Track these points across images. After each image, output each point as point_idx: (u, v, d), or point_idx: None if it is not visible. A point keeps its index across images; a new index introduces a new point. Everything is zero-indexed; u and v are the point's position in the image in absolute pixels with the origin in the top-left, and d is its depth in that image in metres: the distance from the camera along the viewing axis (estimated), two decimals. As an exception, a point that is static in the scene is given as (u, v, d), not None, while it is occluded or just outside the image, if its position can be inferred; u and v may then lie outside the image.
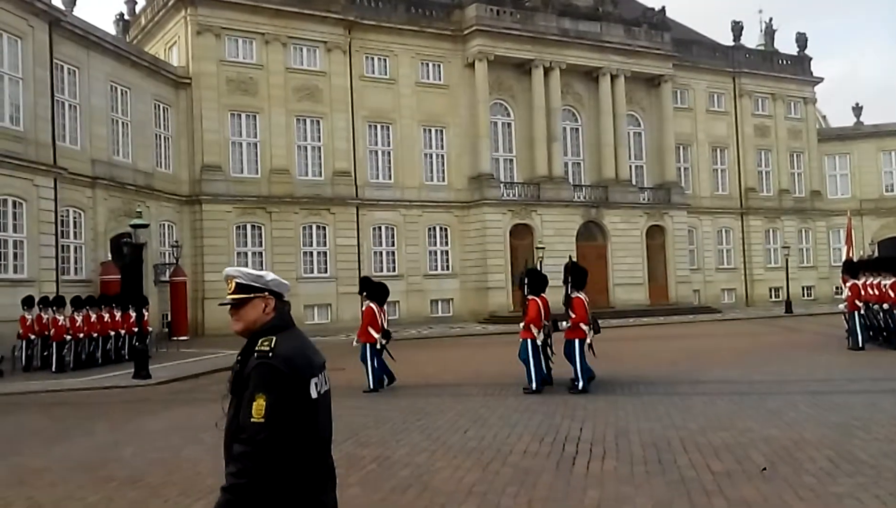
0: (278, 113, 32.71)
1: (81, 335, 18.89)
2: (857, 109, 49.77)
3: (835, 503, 5.91)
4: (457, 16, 36.92)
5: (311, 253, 33.24)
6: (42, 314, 18.95)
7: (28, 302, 19.13)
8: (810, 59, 48.59)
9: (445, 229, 36.52)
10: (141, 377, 16.22)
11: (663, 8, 41.84)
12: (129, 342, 20.39)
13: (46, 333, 18.75)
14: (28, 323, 18.84)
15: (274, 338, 2.95)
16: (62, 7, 25.07)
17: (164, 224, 29.87)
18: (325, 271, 33.27)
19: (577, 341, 12.32)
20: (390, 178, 35.52)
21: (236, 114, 32.23)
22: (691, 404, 10.80)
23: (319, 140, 33.86)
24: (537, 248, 33.72)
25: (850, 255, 25.97)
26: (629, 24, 40.27)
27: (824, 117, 58.77)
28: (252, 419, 2.82)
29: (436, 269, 36.17)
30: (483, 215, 35.68)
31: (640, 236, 39.38)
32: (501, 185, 36.67)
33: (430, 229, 36.16)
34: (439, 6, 37.11)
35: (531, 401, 11.60)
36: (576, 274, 12.85)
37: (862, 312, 17.56)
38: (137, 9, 37.82)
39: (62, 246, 23.81)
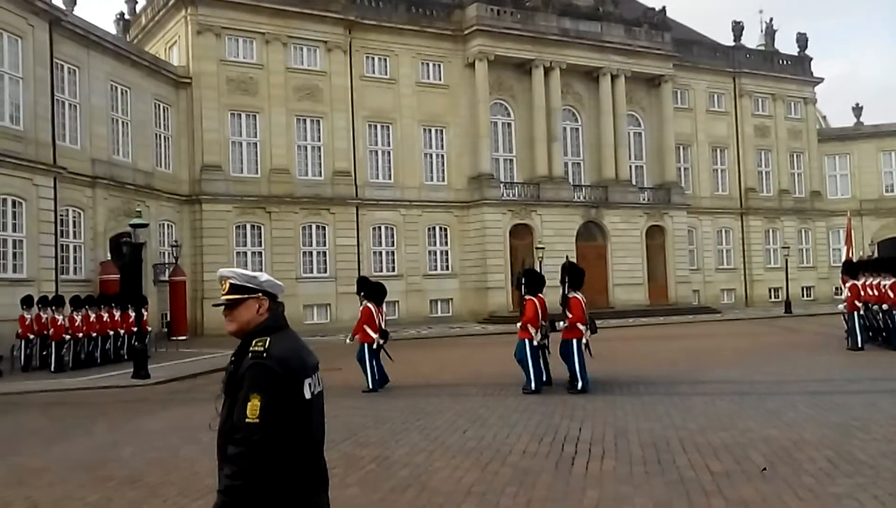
0: (278, 113, 32.71)
1: (80, 335, 18.89)
2: (858, 110, 49.79)
3: (833, 503, 5.91)
4: (457, 16, 36.92)
5: (311, 253, 33.24)
6: (41, 314, 18.94)
7: (27, 302, 19.12)
8: (810, 59, 48.60)
9: (445, 229, 36.52)
10: (140, 377, 16.22)
11: (664, 8, 41.85)
12: (128, 341, 20.38)
13: (45, 332, 18.75)
14: (27, 323, 18.84)
15: (268, 339, 2.95)
16: (62, 6, 25.07)
17: (163, 224, 29.87)
18: (325, 271, 33.27)
19: (574, 341, 12.33)
20: (390, 178, 35.52)
21: (236, 113, 32.23)
22: (691, 404, 10.80)
23: (319, 140, 33.86)
24: (537, 248, 33.72)
25: (850, 255, 26.02)
26: (629, 24, 40.27)
27: (824, 118, 58.76)
28: (247, 420, 2.82)
29: (435, 269, 36.17)
30: (483, 215, 35.68)
31: (639, 236, 39.38)
32: (501, 185, 36.67)
33: (429, 228, 36.16)
34: (440, 6, 37.11)
35: (530, 401, 11.60)
36: (573, 274, 12.86)
37: (861, 312, 17.56)
38: (138, 8, 37.82)
39: (62, 246, 23.81)
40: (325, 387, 3.19)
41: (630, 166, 40.46)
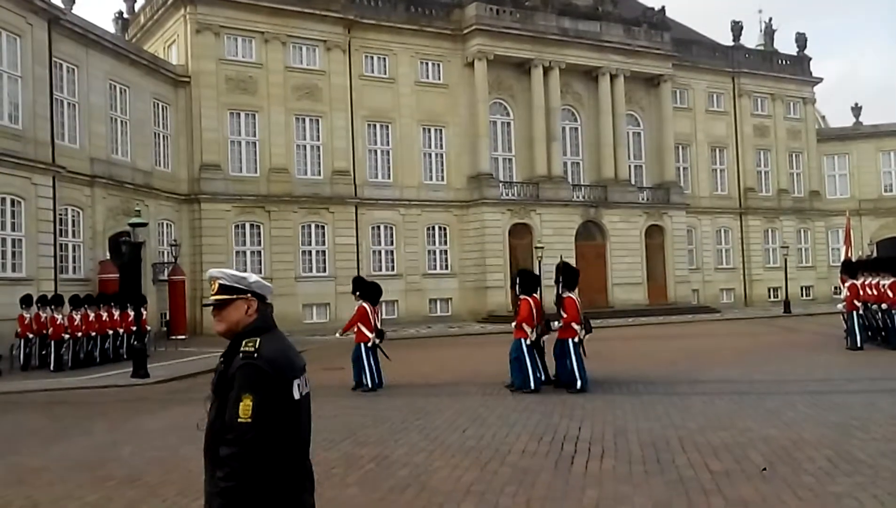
0: (277, 112, 32.70)
1: (80, 334, 18.87)
2: (857, 110, 49.80)
3: (833, 502, 5.91)
4: (456, 15, 36.91)
5: (310, 252, 33.23)
6: (40, 313, 18.93)
7: (26, 301, 19.11)
8: (810, 59, 48.61)
9: (444, 229, 36.51)
10: (139, 377, 16.20)
11: (663, 8, 41.85)
12: (127, 341, 20.35)
13: (45, 332, 18.74)
14: (26, 322, 18.83)
15: (258, 339, 2.98)
16: (61, 5, 25.03)
17: (162, 223, 29.86)
18: (324, 271, 33.26)
19: (569, 341, 12.34)
20: (389, 177, 35.51)
21: (235, 113, 32.21)
22: (690, 403, 10.80)
23: (319, 139, 33.85)
24: (536, 247, 33.73)
25: (849, 255, 26.03)
26: (629, 24, 40.27)
27: (823, 117, 58.77)
28: (239, 420, 2.84)
29: (434, 268, 36.17)
30: (482, 215, 35.68)
31: (639, 235, 39.39)
32: (500, 184, 36.66)
33: (429, 228, 36.15)
34: (439, 5, 37.10)
35: (529, 401, 11.60)
36: (567, 274, 12.88)
37: (860, 312, 17.58)
38: (136, 7, 37.77)
39: (61, 245, 23.79)
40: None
41: (629, 166, 40.47)
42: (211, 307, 3.11)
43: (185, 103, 31.37)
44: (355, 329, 13.70)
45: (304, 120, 33.57)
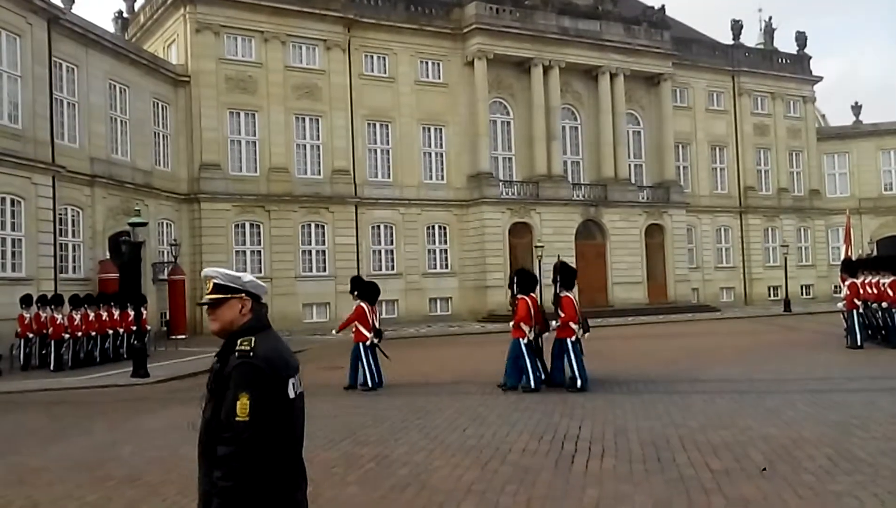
0: (277, 111, 32.69)
1: (80, 334, 18.88)
2: (857, 108, 49.80)
3: (833, 501, 5.91)
4: (456, 14, 36.90)
5: (310, 252, 33.23)
6: (40, 313, 18.93)
7: (26, 301, 19.10)
8: (810, 57, 48.60)
9: (444, 228, 36.51)
10: (139, 376, 16.21)
11: (663, 6, 41.83)
12: (127, 340, 20.36)
13: (45, 331, 18.74)
14: (26, 322, 18.82)
15: (253, 338, 2.99)
16: (61, 5, 25.02)
17: (162, 222, 29.85)
18: (324, 270, 33.26)
19: (567, 340, 12.34)
20: (389, 176, 35.50)
21: (235, 112, 32.20)
22: (690, 402, 10.80)
23: (318, 138, 33.84)
24: (536, 246, 33.71)
25: (849, 254, 26.00)
26: (629, 23, 40.26)
27: (823, 116, 58.77)
28: (237, 418, 2.86)
29: (435, 267, 36.17)
30: (482, 214, 35.68)
31: (639, 234, 39.39)
32: (500, 183, 36.65)
33: (428, 227, 36.15)
34: (439, 4, 37.08)
35: (530, 400, 11.60)
36: (565, 274, 12.89)
37: (860, 310, 17.58)
38: (136, 6, 37.73)
39: (61, 244, 23.78)
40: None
41: (629, 165, 40.46)
42: (206, 307, 3.13)
43: (185, 103, 31.36)
44: (353, 329, 13.70)
45: (303, 119, 33.57)
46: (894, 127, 47.91)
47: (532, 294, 13.00)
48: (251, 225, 32.11)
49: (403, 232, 35.30)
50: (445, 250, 36.49)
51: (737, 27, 46.74)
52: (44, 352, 18.82)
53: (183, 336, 27.81)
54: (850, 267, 18.91)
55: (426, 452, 8.09)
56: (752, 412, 9.81)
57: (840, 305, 18.56)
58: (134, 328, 19.43)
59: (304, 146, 33.63)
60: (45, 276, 22.33)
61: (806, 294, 46.02)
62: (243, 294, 3.11)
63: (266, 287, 3.27)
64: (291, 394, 3.00)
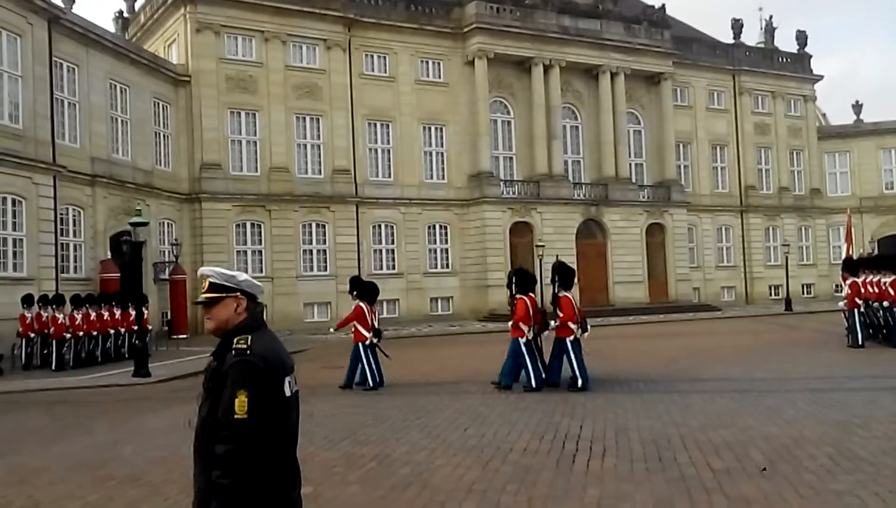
0: (278, 111, 32.69)
1: (81, 334, 18.89)
2: (857, 107, 49.75)
3: (834, 500, 5.91)
4: (456, 13, 36.89)
5: (311, 251, 33.23)
6: (42, 313, 18.95)
7: (28, 300, 19.13)
8: (810, 56, 48.56)
9: (445, 227, 36.51)
10: (140, 376, 16.22)
11: (663, 6, 41.81)
12: (128, 340, 20.39)
13: (46, 331, 18.75)
14: (28, 321, 18.84)
15: (249, 336, 3.02)
16: (61, 4, 25.03)
17: (163, 222, 29.86)
18: (325, 270, 33.26)
19: (566, 340, 12.35)
20: (390, 176, 35.50)
21: (236, 112, 32.21)
22: (691, 401, 10.80)
23: (319, 138, 33.85)
24: (537, 246, 33.71)
25: (850, 253, 25.96)
26: (629, 22, 40.24)
27: (824, 115, 58.74)
28: (235, 416, 2.87)
29: (435, 267, 36.17)
30: (483, 213, 35.67)
31: (639, 233, 39.37)
32: (501, 183, 36.64)
33: (429, 227, 36.15)
34: (439, 4, 37.07)
35: (530, 399, 11.60)
36: (563, 274, 12.90)
37: (862, 310, 17.57)
38: (137, 6, 37.74)
39: (62, 244, 23.79)
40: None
41: (630, 164, 40.44)
42: (202, 305, 3.16)
43: (186, 103, 31.36)
44: (352, 329, 13.71)
45: (304, 119, 33.57)
46: (895, 126, 47.87)
47: (531, 294, 13.00)
48: (252, 225, 32.11)
49: (404, 231, 35.30)
50: (446, 250, 36.49)
51: (737, 26, 46.69)
52: (45, 352, 18.85)
53: (184, 336, 27.82)
54: (852, 266, 18.90)
55: (427, 451, 8.09)
56: (753, 411, 9.80)
57: (841, 304, 18.56)
58: (135, 327, 19.50)
59: (305, 146, 33.64)
60: (47, 276, 22.34)
61: (807, 293, 46.00)
62: (238, 293, 3.14)
63: (262, 287, 3.29)
64: (287, 392, 3.02)
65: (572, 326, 12.40)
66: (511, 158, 38.23)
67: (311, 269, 33.06)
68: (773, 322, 30.02)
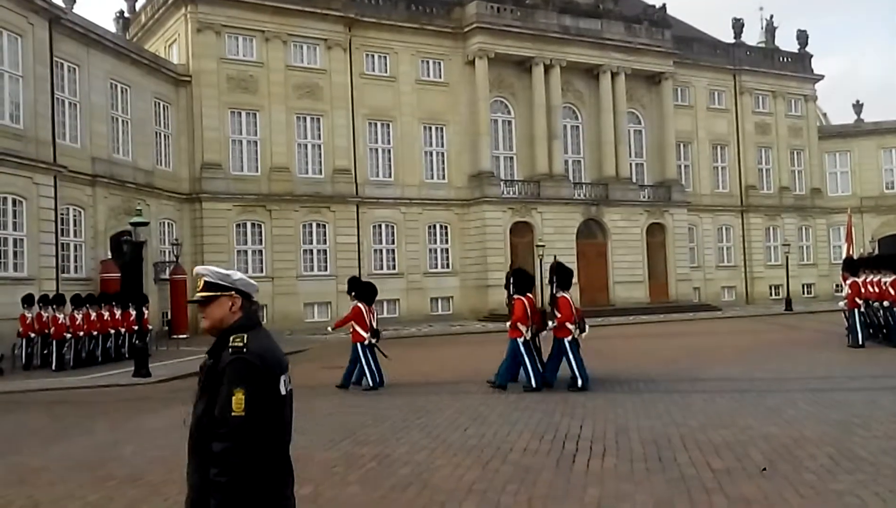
0: (278, 111, 32.70)
1: (81, 334, 18.90)
2: (858, 107, 49.71)
3: (835, 500, 5.91)
4: (457, 13, 36.88)
5: (311, 251, 33.23)
6: (42, 313, 18.95)
7: (28, 300, 19.13)
8: (811, 56, 48.54)
9: (445, 227, 36.51)
10: (141, 376, 16.22)
11: (664, 5, 41.80)
12: (129, 340, 20.39)
13: (46, 331, 18.75)
14: (28, 321, 18.84)
15: (245, 335, 3.03)
16: (62, 4, 25.04)
17: (164, 222, 29.87)
18: (325, 270, 33.26)
19: (564, 340, 12.35)
20: (390, 176, 35.50)
21: (236, 112, 32.21)
22: (691, 401, 10.80)
23: (320, 138, 33.85)
24: (537, 246, 33.69)
25: (851, 252, 25.94)
26: (630, 22, 40.23)
27: (825, 115, 58.70)
28: (233, 413, 2.89)
29: (436, 267, 36.17)
30: (483, 213, 35.67)
31: (640, 233, 39.36)
32: (502, 183, 36.64)
33: (430, 226, 36.15)
34: (439, 4, 37.07)
35: (530, 399, 11.60)
36: (561, 274, 12.89)
37: (862, 309, 17.56)
38: (137, 6, 37.75)
39: (62, 244, 23.79)
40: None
41: (630, 164, 40.43)
42: (197, 304, 3.18)
43: (186, 102, 31.37)
44: (350, 329, 13.71)
45: (304, 119, 33.57)
46: (895, 126, 47.84)
47: (529, 294, 12.99)
48: (252, 225, 32.12)
49: (405, 231, 35.30)
50: (447, 250, 36.49)
51: (738, 26, 46.66)
52: (45, 352, 18.85)
53: (184, 336, 27.83)
54: (852, 266, 18.90)
55: (427, 451, 8.09)
56: (753, 411, 9.80)
57: (841, 304, 18.55)
58: (135, 327, 19.50)
59: (306, 146, 33.64)
60: (47, 276, 22.35)
61: (807, 293, 45.99)
62: (233, 292, 3.16)
63: (257, 286, 3.31)
64: (283, 391, 3.04)
65: (570, 326, 12.40)
66: (511, 158, 38.22)
67: (312, 269, 33.07)
68: (773, 322, 30.02)
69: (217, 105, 31.49)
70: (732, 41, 46.47)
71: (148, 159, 29.09)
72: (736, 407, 10.14)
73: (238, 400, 2.88)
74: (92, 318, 19.25)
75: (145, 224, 19.05)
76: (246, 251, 31.81)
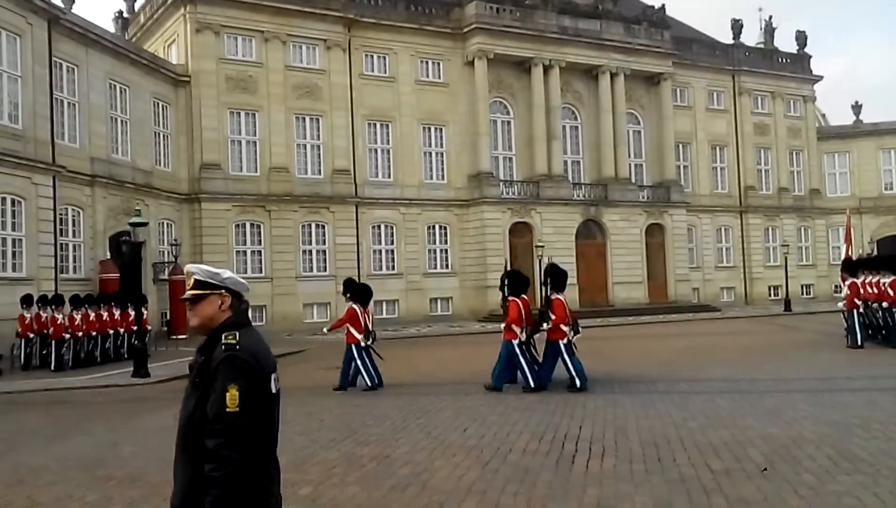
0: (277, 111, 32.69)
1: (80, 334, 18.89)
2: (857, 108, 49.78)
3: (834, 501, 5.91)
4: (456, 14, 36.89)
5: (311, 251, 33.23)
6: (41, 313, 18.94)
7: (27, 301, 19.11)
8: (810, 57, 48.59)
9: (445, 228, 36.51)
10: (140, 376, 16.21)
11: (663, 6, 41.83)
12: (128, 340, 20.37)
13: (45, 331, 18.74)
14: (27, 322, 18.83)
15: (237, 332, 3.06)
16: (61, 5, 25.03)
17: (163, 222, 29.86)
18: (325, 270, 33.26)
19: (559, 342, 12.35)
20: (390, 176, 35.50)
21: (235, 112, 32.21)
22: (690, 402, 10.80)
23: (319, 138, 33.84)
24: (537, 246, 33.72)
25: (849, 253, 25.99)
26: (629, 22, 40.26)
27: (824, 116, 58.74)
28: (227, 410, 2.91)
29: (435, 267, 36.17)
30: (482, 214, 35.68)
31: (639, 234, 39.38)
32: (501, 183, 36.65)
33: (429, 227, 36.15)
34: (439, 4, 37.09)
35: (530, 400, 11.60)
36: (555, 276, 12.89)
37: (861, 310, 17.57)
38: (136, 6, 37.76)
39: (61, 244, 23.79)
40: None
41: (629, 165, 40.46)
42: (186, 302, 3.20)
43: (186, 103, 31.36)
44: (346, 330, 13.71)
45: (304, 119, 33.57)
46: (894, 126, 47.89)
47: (523, 296, 12.98)
48: (251, 225, 32.11)
49: (404, 232, 35.30)
50: (446, 250, 36.49)
51: (737, 26, 46.71)
52: (44, 352, 18.83)
53: (183, 336, 27.79)
54: (851, 267, 18.91)
55: (427, 452, 8.09)
56: (752, 411, 9.80)
57: (840, 304, 18.55)
58: (134, 327, 19.47)
59: (305, 146, 33.64)
60: (46, 276, 22.34)
61: (806, 294, 46.02)
62: (223, 291, 3.17)
63: (247, 285, 3.33)
64: (273, 389, 3.07)
65: (564, 328, 12.40)
66: (511, 159, 38.24)
67: (311, 269, 33.06)
68: (772, 323, 30.03)
69: (216, 105, 31.49)
70: (731, 42, 46.52)
71: (147, 160, 29.08)
72: (735, 408, 10.14)
73: (232, 396, 2.90)
74: (91, 318, 19.25)
75: (144, 224, 19.05)
76: (245, 252, 31.80)
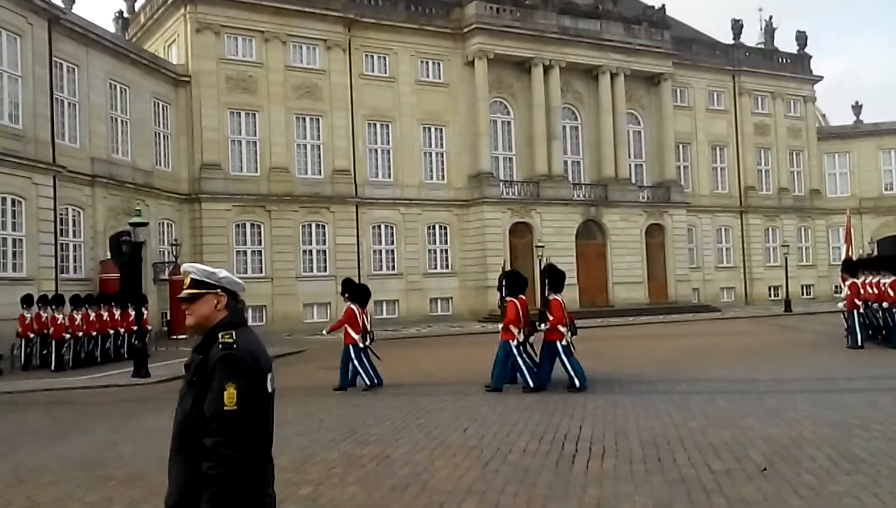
0: (278, 111, 32.70)
1: (80, 334, 18.90)
2: (857, 108, 49.78)
3: (834, 501, 5.91)
4: (456, 14, 36.90)
5: (311, 251, 33.23)
6: (41, 313, 18.94)
7: (27, 301, 19.12)
8: (810, 57, 48.59)
9: (445, 228, 36.52)
10: (140, 376, 16.22)
11: (663, 6, 41.84)
12: (128, 340, 20.38)
13: (45, 331, 18.75)
14: (27, 322, 18.84)
15: (234, 332, 3.06)
16: (61, 4, 25.04)
17: (163, 222, 29.86)
18: (325, 270, 33.26)
19: (556, 343, 12.35)
20: (390, 176, 35.51)
21: (236, 112, 32.21)
22: (690, 402, 10.80)
23: (319, 138, 33.85)
24: (537, 246, 33.72)
25: (850, 253, 25.98)
26: (629, 23, 40.27)
27: (824, 116, 58.75)
28: (225, 408, 2.91)
29: (435, 267, 36.18)
30: (482, 214, 35.68)
31: (639, 234, 39.38)
32: (501, 183, 36.66)
33: (429, 227, 36.16)
34: (439, 4, 37.09)
35: (530, 400, 11.60)
36: (553, 277, 12.89)
37: (861, 310, 17.56)
38: (137, 6, 37.77)
39: (61, 244, 23.80)
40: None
41: (630, 165, 40.46)
42: (182, 301, 3.20)
43: (186, 103, 31.37)
44: (343, 331, 13.72)
45: (304, 119, 33.58)
46: (895, 127, 47.89)
47: (522, 296, 12.99)
48: (252, 225, 32.12)
49: (404, 232, 35.30)
50: (446, 250, 36.49)
51: (737, 27, 46.72)
52: (45, 352, 18.83)
53: (184, 336, 27.73)
54: (851, 267, 18.90)
55: (427, 452, 8.09)
56: (752, 412, 9.80)
57: (840, 305, 18.55)
58: (135, 327, 19.48)
59: (305, 146, 33.64)
60: (46, 276, 22.35)
61: (806, 294, 46.02)
62: (219, 290, 3.18)
63: (243, 284, 3.33)
64: (269, 388, 3.09)
65: (562, 329, 12.39)
66: (511, 159, 38.24)
67: (311, 269, 33.07)
68: (772, 323, 30.03)
69: (216, 105, 31.49)
70: (731, 42, 46.52)
71: (147, 160, 29.09)
72: (735, 408, 10.14)
73: (230, 395, 2.91)
74: (91, 318, 19.25)
75: (144, 224, 19.05)
76: (245, 252, 31.81)
